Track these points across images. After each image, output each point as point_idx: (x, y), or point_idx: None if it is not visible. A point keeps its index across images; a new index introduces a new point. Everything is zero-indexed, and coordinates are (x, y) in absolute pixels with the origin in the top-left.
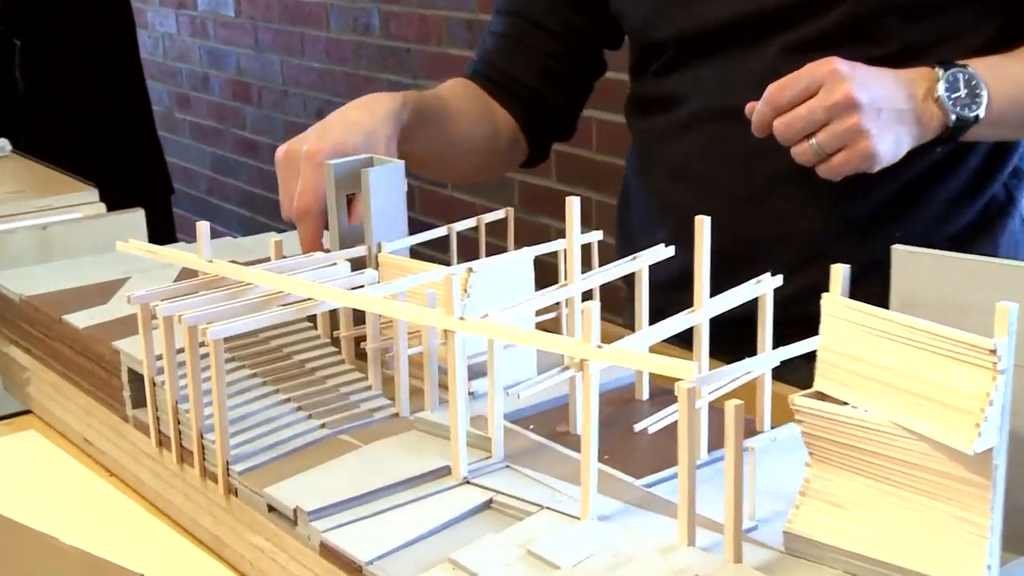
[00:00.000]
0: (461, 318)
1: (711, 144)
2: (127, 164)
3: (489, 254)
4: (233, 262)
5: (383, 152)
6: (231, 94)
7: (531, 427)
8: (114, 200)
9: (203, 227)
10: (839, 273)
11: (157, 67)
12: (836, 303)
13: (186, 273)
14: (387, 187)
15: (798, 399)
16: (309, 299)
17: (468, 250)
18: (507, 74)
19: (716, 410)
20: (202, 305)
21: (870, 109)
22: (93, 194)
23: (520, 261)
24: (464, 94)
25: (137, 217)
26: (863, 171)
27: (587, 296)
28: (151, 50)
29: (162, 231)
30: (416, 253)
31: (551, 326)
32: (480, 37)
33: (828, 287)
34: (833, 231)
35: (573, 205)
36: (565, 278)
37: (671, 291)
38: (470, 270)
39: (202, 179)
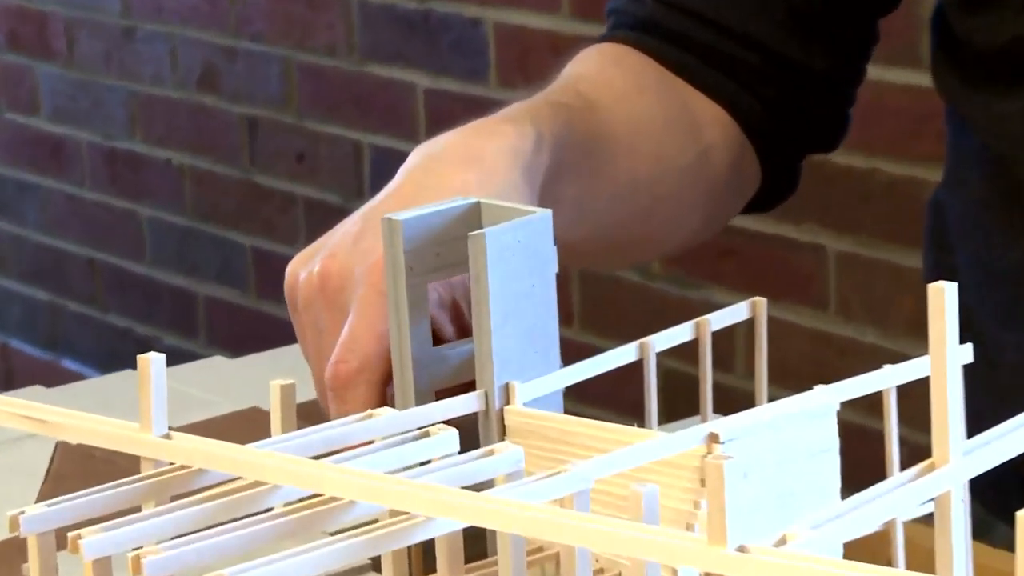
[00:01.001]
0: (741, 549)
1: None
2: None
3: (724, 400)
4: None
5: None
6: None
7: None
8: None
9: (152, 362)
10: None
11: None
12: None
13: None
14: (520, 264)
15: None
16: (399, 517)
17: (676, 388)
18: (715, 26)
19: None
20: (169, 531)
21: None
22: None
23: (812, 415)
24: (634, 87)
25: None
26: None
27: None
28: None
29: None
30: (573, 403)
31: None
32: None
33: None
34: None
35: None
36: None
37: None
38: (714, 440)
39: None
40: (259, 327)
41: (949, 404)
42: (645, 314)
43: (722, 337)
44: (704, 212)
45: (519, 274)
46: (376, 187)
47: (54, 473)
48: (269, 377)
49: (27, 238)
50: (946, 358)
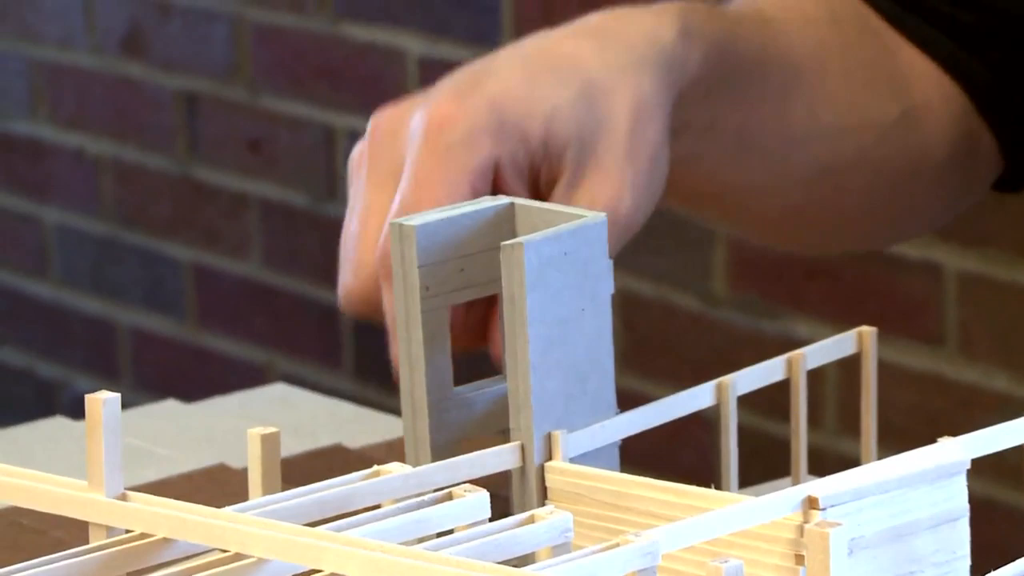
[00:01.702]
0: None
1: None
2: None
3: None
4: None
5: (628, 153)
6: None
7: None
8: None
9: (103, 403)
10: None
11: None
12: None
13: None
14: (567, 283)
15: None
16: None
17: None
18: None
19: None
20: None
21: None
22: None
23: (935, 475)
24: (827, 14)
25: None
26: None
27: None
28: None
29: None
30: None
31: None
32: None
33: None
34: None
35: None
36: None
37: None
38: (813, 505)
39: None
40: (200, 366)
41: None
42: (705, 351)
43: (807, 381)
44: (914, 192)
45: (565, 295)
46: None
47: None
48: (235, 426)
49: None
50: None
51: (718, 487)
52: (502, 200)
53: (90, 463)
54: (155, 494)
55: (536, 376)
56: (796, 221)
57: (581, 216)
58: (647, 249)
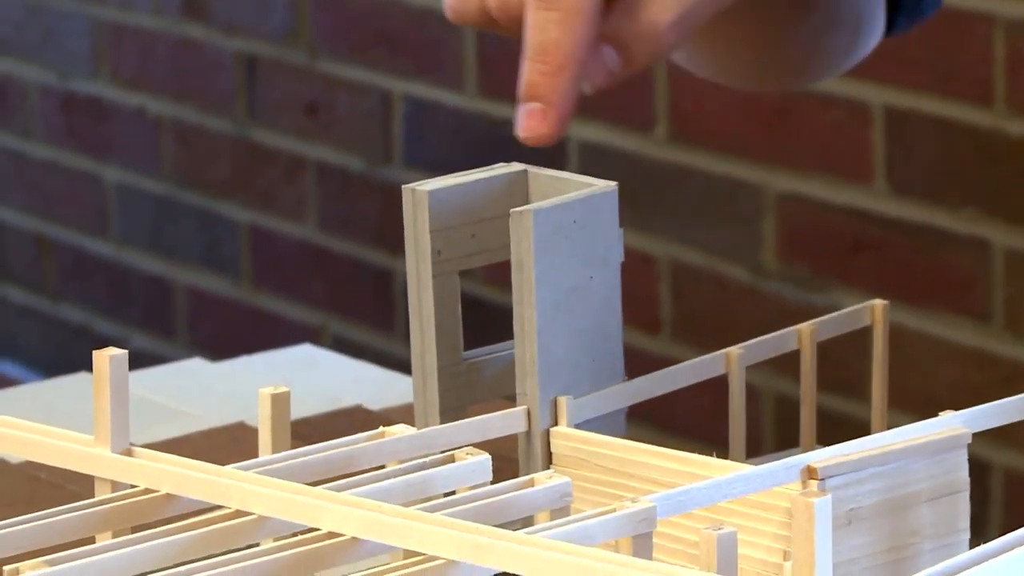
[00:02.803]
0: None
1: None
2: None
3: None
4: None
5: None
6: None
7: None
8: None
9: (110, 360)
10: None
11: None
12: None
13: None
14: (575, 251)
15: None
16: (415, 559)
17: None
18: None
19: None
20: (127, 568)
21: None
22: None
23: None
24: None
25: None
26: None
27: None
28: None
29: None
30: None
31: None
32: None
33: None
34: None
35: None
36: None
37: None
38: (811, 475)
39: None
40: (254, 327)
41: None
42: (755, 323)
43: (853, 355)
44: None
45: (573, 263)
46: (410, 148)
47: None
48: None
49: None
50: None
51: (724, 457)
52: (515, 167)
53: (97, 419)
54: (173, 451)
55: (543, 342)
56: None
57: (591, 184)
58: (698, 221)
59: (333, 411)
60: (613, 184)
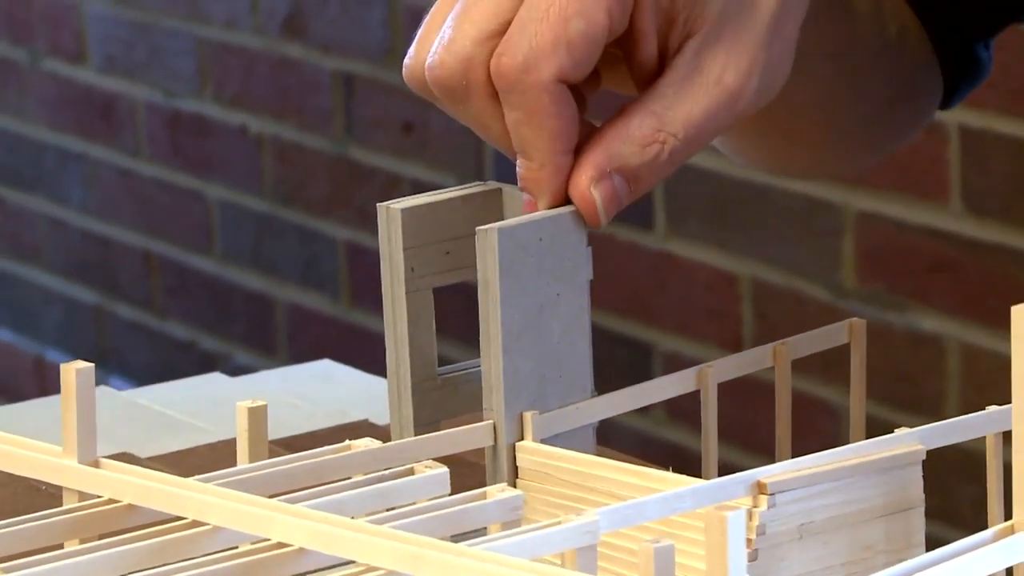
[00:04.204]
0: None
1: None
2: None
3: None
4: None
5: (767, 39)
6: None
7: None
8: None
9: (77, 373)
10: None
11: None
12: None
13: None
14: (542, 269)
15: None
16: (355, 568)
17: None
18: None
19: None
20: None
21: None
22: None
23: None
24: None
25: None
26: None
27: None
28: None
29: None
30: (614, 434)
31: None
32: None
33: None
34: None
35: None
36: None
37: None
38: (761, 490)
39: None
40: (351, 342)
41: None
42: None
43: (931, 375)
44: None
45: (540, 281)
46: (502, 168)
47: None
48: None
49: (69, 223)
50: None
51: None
52: (491, 185)
53: (66, 431)
54: (178, 462)
55: (509, 358)
56: (792, 131)
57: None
58: (778, 240)
59: (339, 426)
60: (572, 208)
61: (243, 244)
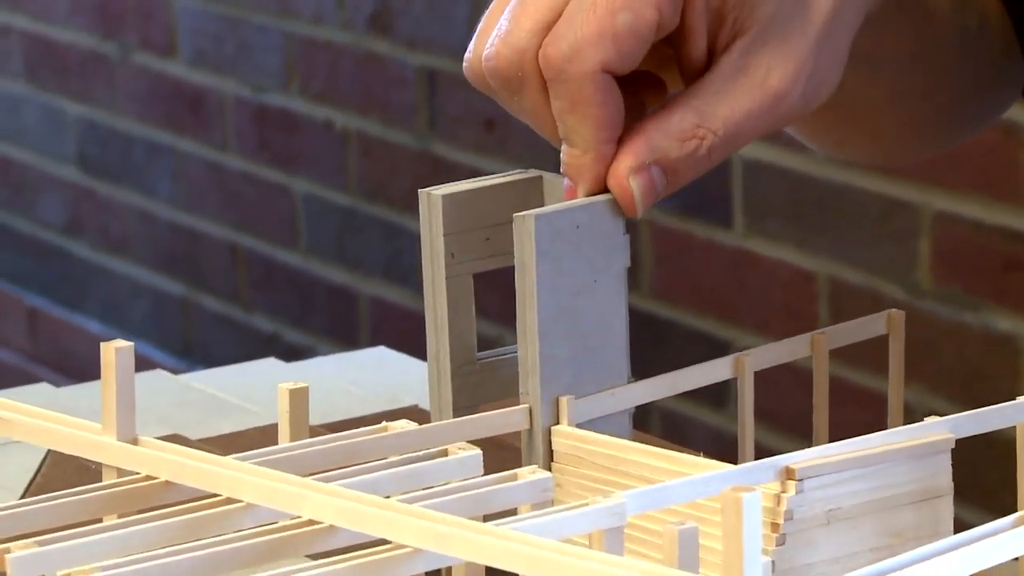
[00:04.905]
0: None
1: None
2: None
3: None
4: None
5: (817, 44)
6: None
7: None
8: None
9: (116, 352)
10: None
11: None
12: None
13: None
14: (579, 255)
15: None
16: (384, 547)
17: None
18: None
19: None
20: (111, 551)
21: None
22: None
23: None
24: None
25: None
26: None
27: None
28: None
29: None
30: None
31: None
32: None
33: None
34: None
35: None
36: None
37: None
38: (790, 475)
39: None
40: None
41: None
42: (910, 342)
43: (1006, 374)
44: (965, 100)
45: (577, 267)
46: None
47: (36, 485)
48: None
49: (157, 216)
50: None
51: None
52: (531, 173)
53: (105, 409)
54: (228, 445)
55: (545, 343)
56: (875, 130)
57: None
58: (856, 239)
59: (388, 410)
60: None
61: (327, 238)
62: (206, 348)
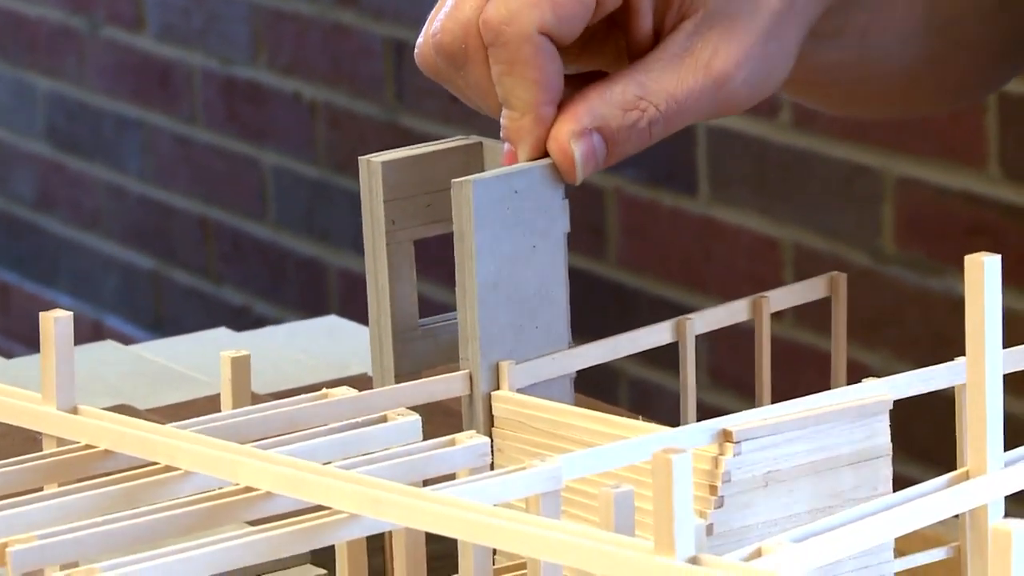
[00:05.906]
0: (693, 560)
1: None
2: None
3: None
4: (120, 409)
5: (766, 35)
6: None
7: None
8: None
9: (55, 322)
10: None
11: None
12: None
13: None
14: (518, 220)
15: None
16: (321, 513)
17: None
18: None
19: None
20: (47, 520)
21: None
22: None
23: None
24: None
25: None
26: None
27: None
28: None
29: None
30: (590, 382)
31: None
32: None
33: None
34: None
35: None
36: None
37: None
38: (727, 438)
39: None
40: None
41: (988, 406)
42: (874, 307)
43: None
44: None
45: (515, 232)
46: None
47: None
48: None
49: (127, 190)
50: (984, 350)
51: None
52: (472, 139)
53: (44, 378)
54: (172, 414)
55: (484, 309)
56: (883, 94)
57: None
58: (819, 206)
59: (337, 379)
60: (548, 161)
61: (296, 210)
62: (177, 321)
